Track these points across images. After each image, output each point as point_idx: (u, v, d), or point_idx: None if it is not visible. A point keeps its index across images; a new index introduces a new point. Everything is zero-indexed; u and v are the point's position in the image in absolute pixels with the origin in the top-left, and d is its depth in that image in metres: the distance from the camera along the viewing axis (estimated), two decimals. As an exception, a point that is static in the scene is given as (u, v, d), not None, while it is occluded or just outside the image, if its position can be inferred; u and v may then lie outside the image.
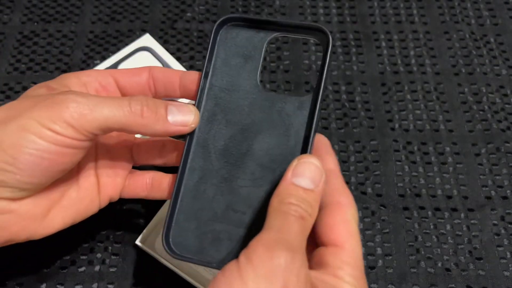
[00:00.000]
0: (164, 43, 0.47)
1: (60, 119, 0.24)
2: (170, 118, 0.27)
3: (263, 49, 0.29)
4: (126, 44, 0.46)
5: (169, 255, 0.28)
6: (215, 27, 0.29)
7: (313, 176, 0.24)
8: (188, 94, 0.30)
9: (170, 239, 0.28)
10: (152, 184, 0.31)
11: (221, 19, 0.29)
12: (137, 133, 0.27)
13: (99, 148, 0.31)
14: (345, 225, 0.24)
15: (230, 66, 0.29)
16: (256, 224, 0.27)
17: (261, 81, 0.29)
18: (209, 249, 0.27)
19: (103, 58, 0.46)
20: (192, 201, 0.28)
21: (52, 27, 0.49)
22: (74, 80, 0.29)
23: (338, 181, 0.26)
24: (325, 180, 0.25)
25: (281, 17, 0.50)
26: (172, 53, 0.46)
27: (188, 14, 0.50)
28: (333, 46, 0.46)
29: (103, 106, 0.25)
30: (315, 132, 0.27)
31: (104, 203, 0.31)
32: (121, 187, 0.31)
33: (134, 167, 0.33)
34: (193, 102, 0.30)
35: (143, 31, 0.48)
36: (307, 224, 0.24)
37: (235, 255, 0.23)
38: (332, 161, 0.26)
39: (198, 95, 0.29)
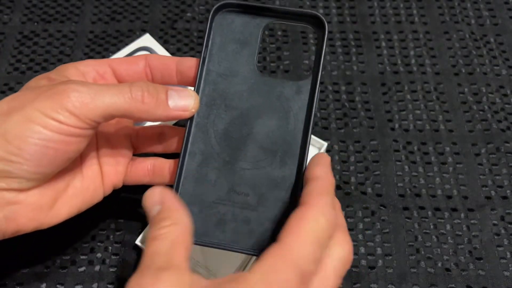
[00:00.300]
0: (164, 43, 0.47)
1: (63, 109, 0.25)
2: (170, 103, 0.27)
3: (259, 35, 0.29)
4: (126, 44, 0.46)
5: None
6: (211, 13, 0.29)
7: (151, 201, 0.25)
8: (185, 81, 0.31)
9: None
10: (153, 170, 0.32)
11: (217, 4, 0.29)
12: (138, 119, 0.27)
13: (99, 137, 0.31)
14: (296, 222, 0.22)
15: (227, 52, 0.30)
16: (261, 204, 0.28)
17: (259, 64, 0.29)
18: (214, 231, 0.28)
19: (103, 58, 0.46)
20: (194, 185, 0.29)
21: (52, 27, 0.49)
22: (72, 70, 0.29)
23: (316, 186, 0.24)
24: (165, 192, 0.25)
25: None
26: (172, 53, 0.46)
27: (188, 14, 0.50)
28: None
29: (104, 94, 0.26)
30: (314, 115, 0.28)
31: (108, 190, 0.31)
32: (124, 174, 0.32)
33: (135, 155, 0.33)
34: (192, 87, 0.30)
35: (143, 31, 0.48)
36: (170, 236, 0.23)
37: (242, 235, 0.24)
38: (319, 170, 0.25)
39: (197, 81, 0.29)
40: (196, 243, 0.28)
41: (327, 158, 0.26)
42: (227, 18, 0.30)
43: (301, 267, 0.21)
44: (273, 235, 0.27)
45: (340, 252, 0.23)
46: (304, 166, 0.28)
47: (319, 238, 0.22)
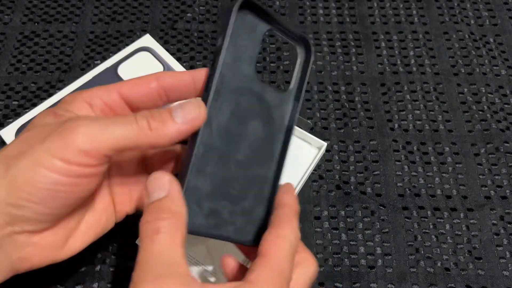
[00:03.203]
0: (165, 44, 0.48)
1: (73, 146, 0.24)
2: (178, 120, 0.26)
3: (261, 39, 0.30)
4: (127, 45, 0.46)
5: None
6: (236, 8, 0.28)
7: (156, 185, 0.26)
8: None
9: None
10: None
11: (241, 1, 0.28)
12: (151, 147, 0.26)
13: (110, 167, 0.30)
14: (275, 239, 0.26)
15: (237, 47, 0.29)
16: (245, 199, 0.29)
17: (259, 64, 0.30)
18: (209, 222, 0.28)
19: (104, 59, 0.46)
20: (195, 177, 0.28)
21: (53, 27, 0.49)
22: (78, 103, 0.28)
23: (287, 211, 0.28)
24: (174, 182, 0.26)
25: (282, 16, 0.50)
26: (172, 54, 0.46)
27: (189, 15, 0.50)
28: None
29: (113, 126, 0.25)
30: (295, 123, 0.31)
31: (120, 218, 0.31)
32: (137, 202, 0.31)
33: None
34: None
35: (143, 32, 0.48)
36: (170, 231, 0.24)
37: (233, 227, 0.28)
38: (288, 197, 0.29)
39: (214, 71, 0.28)
40: (192, 233, 0.28)
41: (293, 187, 0.30)
42: (240, 14, 0.29)
43: (286, 277, 0.25)
44: (257, 228, 0.29)
45: (306, 270, 0.27)
46: (282, 169, 0.30)
47: (293, 253, 0.26)
